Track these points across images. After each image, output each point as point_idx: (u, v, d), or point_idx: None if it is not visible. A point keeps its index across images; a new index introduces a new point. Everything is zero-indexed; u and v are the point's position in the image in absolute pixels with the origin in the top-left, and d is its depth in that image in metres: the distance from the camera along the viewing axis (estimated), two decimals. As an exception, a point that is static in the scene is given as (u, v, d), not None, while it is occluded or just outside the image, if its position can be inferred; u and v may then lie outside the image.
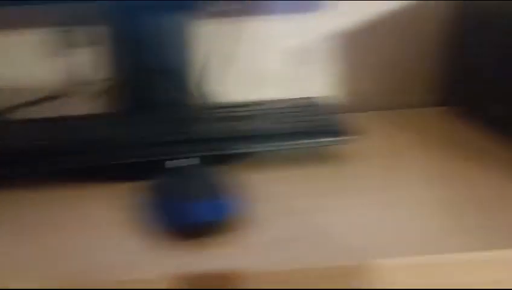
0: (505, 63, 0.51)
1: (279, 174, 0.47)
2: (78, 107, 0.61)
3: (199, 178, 0.42)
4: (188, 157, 0.46)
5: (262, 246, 0.36)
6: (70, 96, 0.62)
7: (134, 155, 0.47)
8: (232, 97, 0.63)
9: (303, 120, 0.51)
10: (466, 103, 0.60)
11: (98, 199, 0.43)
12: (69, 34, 0.59)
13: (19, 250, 0.37)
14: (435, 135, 0.55)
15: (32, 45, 0.61)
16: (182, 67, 0.57)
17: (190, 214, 0.37)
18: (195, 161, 0.46)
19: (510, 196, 0.41)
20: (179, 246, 0.36)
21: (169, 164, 0.46)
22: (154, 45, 0.55)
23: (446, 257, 0.34)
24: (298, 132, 0.49)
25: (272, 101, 0.57)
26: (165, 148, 0.47)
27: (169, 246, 0.36)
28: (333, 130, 0.50)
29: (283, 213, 0.40)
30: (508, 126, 0.52)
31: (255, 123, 0.51)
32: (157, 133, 0.50)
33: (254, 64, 0.64)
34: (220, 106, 0.57)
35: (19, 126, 0.54)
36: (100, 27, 0.58)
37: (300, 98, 0.58)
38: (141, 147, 0.48)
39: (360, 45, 0.65)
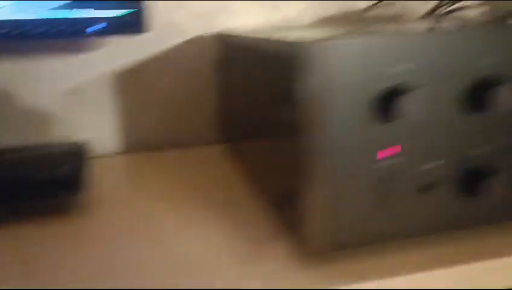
0: (245, 100, 0.49)
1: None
2: None
3: None
4: None
5: None
6: None
7: None
8: (2, 142, 0.61)
9: (48, 169, 0.48)
10: (233, 140, 0.58)
11: None
12: None
13: None
14: (197, 176, 0.54)
15: None
16: None
17: None
18: None
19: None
20: None
21: None
22: None
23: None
24: (34, 183, 0.45)
25: (29, 147, 0.55)
26: None
27: None
28: (73, 182, 0.45)
29: None
30: (251, 161, 0.50)
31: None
32: None
33: (27, 105, 0.61)
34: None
35: None
36: None
37: (63, 143, 0.56)
38: None
39: (140, 83, 0.64)
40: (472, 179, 0.35)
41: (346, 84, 0.31)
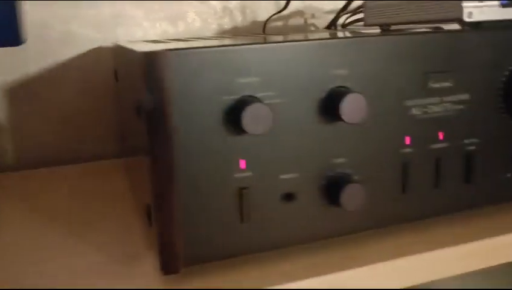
0: (127, 113, 0.47)
1: None
2: None
3: None
4: None
5: None
6: None
7: None
8: None
9: None
10: (127, 154, 0.55)
11: None
12: None
13: None
14: (87, 192, 0.52)
15: None
16: None
17: None
18: None
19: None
20: None
21: None
22: None
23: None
24: None
25: None
26: None
27: None
28: None
29: None
30: (135, 175, 0.46)
31: None
32: None
33: None
34: None
35: None
36: None
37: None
38: None
39: (36, 96, 0.62)
40: (333, 188, 0.35)
41: (192, 94, 0.30)
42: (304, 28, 0.71)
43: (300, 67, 0.32)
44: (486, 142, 0.39)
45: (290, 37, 0.36)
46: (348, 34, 0.43)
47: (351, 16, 0.64)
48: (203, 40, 0.46)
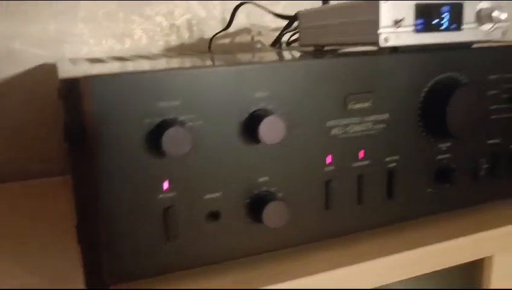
0: None
1: None
2: None
3: None
4: None
5: None
6: None
7: None
8: None
9: None
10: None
11: None
12: None
13: None
14: (27, 210, 0.52)
15: None
16: None
17: None
18: None
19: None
20: None
21: None
22: None
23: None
24: None
25: None
26: None
27: None
28: None
29: None
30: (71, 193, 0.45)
31: None
32: None
33: None
34: None
35: None
36: None
37: None
38: None
39: None
40: (257, 206, 0.36)
41: (114, 118, 0.31)
42: (250, 46, 0.73)
43: (222, 91, 0.34)
44: (407, 159, 0.41)
45: (213, 62, 0.37)
46: (270, 57, 0.44)
47: (293, 34, 0.66)
48: (140, 61, 0.47)
